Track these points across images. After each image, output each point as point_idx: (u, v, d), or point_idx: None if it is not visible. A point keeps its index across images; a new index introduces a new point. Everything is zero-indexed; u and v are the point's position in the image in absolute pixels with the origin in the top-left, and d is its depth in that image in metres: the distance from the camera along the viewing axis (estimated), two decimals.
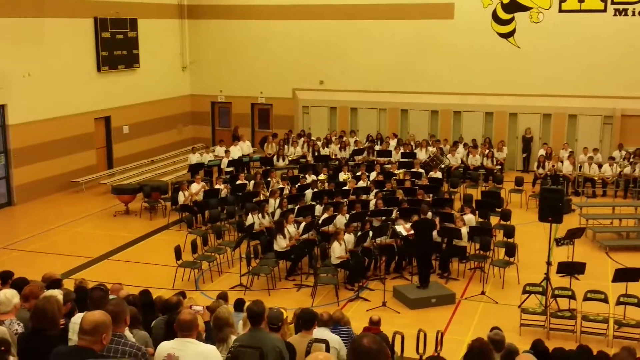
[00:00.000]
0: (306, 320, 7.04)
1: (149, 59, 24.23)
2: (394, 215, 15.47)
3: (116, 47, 22.82)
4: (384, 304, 12.52)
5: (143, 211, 18.75)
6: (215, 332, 6.28)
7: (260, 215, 15.38)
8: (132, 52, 23.55)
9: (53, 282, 7.64)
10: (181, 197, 17.68)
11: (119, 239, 16.72)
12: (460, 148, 21.86)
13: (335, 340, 7.23)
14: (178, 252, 13.84)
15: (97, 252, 15.74)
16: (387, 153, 21.54)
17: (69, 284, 9.30)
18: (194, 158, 21.47)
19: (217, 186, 18.36)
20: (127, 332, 5.40)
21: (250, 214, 15.37)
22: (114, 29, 22.61)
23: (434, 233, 13.90)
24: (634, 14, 21.68)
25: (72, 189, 21.08)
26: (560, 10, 22.44)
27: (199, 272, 14.14)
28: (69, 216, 18.52)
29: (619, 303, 11.40)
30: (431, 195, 17.13)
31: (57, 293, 6.57)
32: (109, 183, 20.90)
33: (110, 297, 6.94)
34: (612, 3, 21.87)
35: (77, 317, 5.62)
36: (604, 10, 21.99)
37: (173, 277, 13.64)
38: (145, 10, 24.12)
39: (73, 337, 5.53)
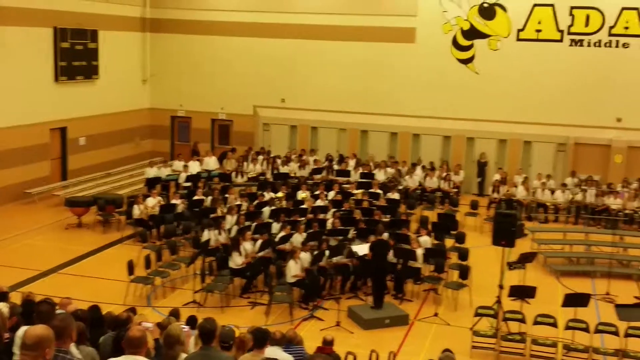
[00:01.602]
0: (258, 339, 7.00)
1: (108, 70, 23.95)
2: (350, 235, 15.53)
3: (75, 58, 22.50)
4: (338, 324, 12.51)
5: (96, 224, 18.41)
6: (165, 350, 6.17)
7: (216, 231, 15.26)
8: (91, 63, 23.25)
9: None
10: (136, 211, 17.44)
11: (70, 252, 16.37)
12: (418, 170, 22.11)
13: (287, 359, 7.19)
14: (131, 267, 13.62)
15: (47, 265, 15.37)
16: (346, 173, 21.65)
17: (16, 297, 9.06)
18: (152, 172, 21.23)
19: (173, 201, 18.17)
20: (73, 348, 5.27)
21: (206, 230, 15.25)
22: (74, 39, 22.31)
23: (390, 254, 13.99)
24: (589, 45, 22.34)
25: (24, 200, 20.60)
26: (518, 39, 23.00)
27: (152, 288, 13.93)
28: (20, 228, 18.06)
29: (567, 328, 11.60)
30: (388, 216, 17.24)
31: (3, 306, 6.41)
32: (62, 195, 20.50)
33: (58, 311, 6.78)
34: (569, 34, 22.53)
35: (23, 331, 5.46)
36: (561, 41, 22.62)
37: (124, 293, 13.40)
38: (107, 22, 23.87)
39: (18, 352, 5.38)
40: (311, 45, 24.72)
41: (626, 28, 21.98)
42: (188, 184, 20.58)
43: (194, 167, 21.80)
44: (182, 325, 7.67)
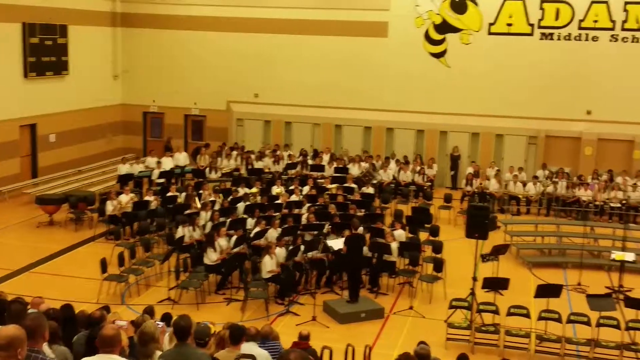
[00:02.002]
0: (234, 335, 6.97)
1: (79, 66, 23.62)
2: (325, 229, 15.55)
3: (45, 53, 22.16)
4: (313, 319, 12.52)
5: (68, 222, 18.20)
6: (139, 348, 6.12)
7: (191, 227, 15.18)
8: (61, 58, 22.91)
9: None
10: (109, 207, 17.26)
11: (41, 250, 16.16)
12: (392, 164, 22.19)
13: (263, 355, 7.18)
14: (104, 265, 13.49)
15: (18, 264, 15.15)
16: (320, 167, 21.65)
17: None
18: (124, 169, 21.01)
19: (147, 198, 18.03)
20: (46, 347, 5.21)
21: (180, 227, 15.15)
22: (43, 34, 21.97)
23: (365, 248, 14.03)
24: (559, 39, 22.61)
25: None
26: (490, 33, 23.19)
27: (126, 285, 13.81)
28: None
29: (540, 318, 11.75)
30: (363, 210, 17.29)
31: None
32: (32, 193, 20.19)
33: (30, 311, 6.70)
34: (539, 27, 22.76)
35: None
36: (531, 34, 22.85)
37: (98, 291, 13.27)
38: (76, 16, 23.53)
39: None
40: (284, 40, 24.64)
41: (595, 22, 22.27)
42: (161, 180, 20.43)
43: (167, 163, 21.65)
44: (157, 322, 7.63)
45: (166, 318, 8.94)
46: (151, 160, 21.75)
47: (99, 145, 25.23)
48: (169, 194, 18.24)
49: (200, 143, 24.81)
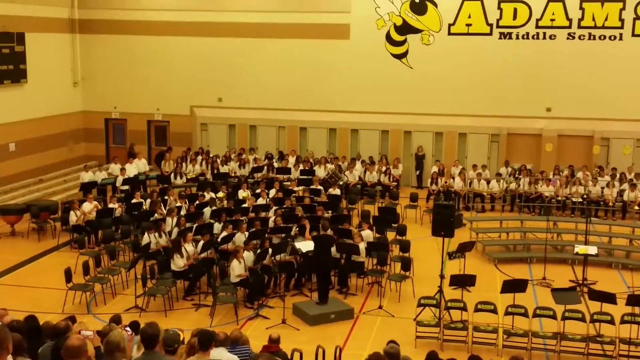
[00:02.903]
0: (203, 341, 6.92)
1: (37, 74, 23.17)
2: (293, 232, 15.54)
3: (2, 62, 21.71)
4: (283, 322, 12.50)
5: (31, 232, 17.86)
6: (106, 358, 6.03)
7: (156, 234, 15.03)
8: (19, 66, 22.47)
9: None
10: (73, 217, 17.00)
11: (3, 261, 15.83)
12: (358, 165, 22.30)
13: None
14: (68, 275, 13.28)
15: None
16: (287, 170, 21.63)
17: None
18: (87, 176, 20.73)
19: (111, 205, 17.79)
20: None
21: (146, 233, 14.99)
22: (0, 42, 21.53)
23: (333, 249, 14.05)
24: (518, 38, 22.96)
25: None
26: (450, 34, 23.43)
27: (91, 294, 13.61)
28: None
29: (507, 313, 11.91)
30: (330, 211, 17.32)
31: None
32: None
33: None
34: (498, 27, 23.09)
35: None
36: (490, 34, 23.16)
37: (63, 301, 13.04)
38: (33, 24, 23.09)
39: None
40: (246, 44, 24.55)
41: (552, 20, 22.66)
42: (126, 187, 20.17)
43: (131, 170, 21.40)
44: (125, 327, 7.54)
45: (134, 326, 8.83)
46: (114, 167, 21.48)
47: (61, 154, 24.79)
48: (134, 200, 18.04)
49: (164, 149, 24.53)
